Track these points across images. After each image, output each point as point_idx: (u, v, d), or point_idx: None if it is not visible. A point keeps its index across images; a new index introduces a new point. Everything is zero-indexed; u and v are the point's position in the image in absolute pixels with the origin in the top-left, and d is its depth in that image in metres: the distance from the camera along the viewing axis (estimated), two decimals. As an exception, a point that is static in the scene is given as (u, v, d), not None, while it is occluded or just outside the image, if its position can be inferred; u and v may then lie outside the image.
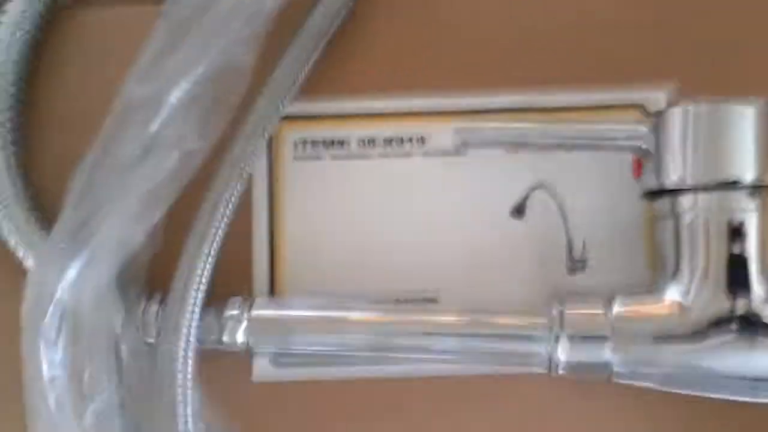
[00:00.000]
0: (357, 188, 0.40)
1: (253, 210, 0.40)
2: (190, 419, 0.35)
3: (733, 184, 0.35)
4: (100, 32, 0.41)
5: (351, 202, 0.40)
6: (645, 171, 0.37)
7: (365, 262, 0.40)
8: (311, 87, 0.40)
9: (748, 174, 0.35)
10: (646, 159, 0.37)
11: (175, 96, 0.36)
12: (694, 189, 0.35)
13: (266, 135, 0.38)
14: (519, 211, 0.40)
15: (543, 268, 0.39)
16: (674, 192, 0.36)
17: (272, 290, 0.40)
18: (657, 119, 0.36)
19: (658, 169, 0.36)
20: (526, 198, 0.40)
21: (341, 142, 0.41)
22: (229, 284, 0.39)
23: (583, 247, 0.39)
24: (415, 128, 0.41)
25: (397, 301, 0.39)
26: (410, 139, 0.41)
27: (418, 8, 0.41)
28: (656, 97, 0.40)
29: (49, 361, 0.35)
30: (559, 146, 0.38)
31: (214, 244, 0.36)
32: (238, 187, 0.37)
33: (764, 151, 0.35)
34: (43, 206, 0.39)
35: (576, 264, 0.39)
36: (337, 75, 0.41)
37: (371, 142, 0.41)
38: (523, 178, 0.40)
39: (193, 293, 0.36)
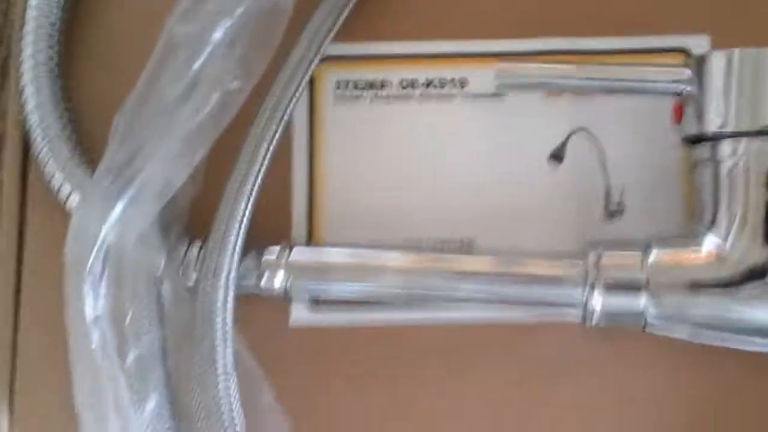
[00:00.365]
0: (397, 130, 0.40)
1: (293, 153, 0.40)
2: (229, 363, 0.35)
3: (775, 130, 0.34)
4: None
5: (390, 145, 0.40)
6: (686, 116, 0.36)
7: (403, 205, 0.40)
8: (352, 30, 0.40)
9: (793, 120, 0.34)
10: (687, 104, 0.36)
11: (216, 35, 0.36)
12: (736, 135, 0.35)
13: (307, 77, 0.38)
14: (557, 156, 0.39)
15: (580, 214, 0.39)
16: (715, 138, 0.35)
17: (311, 235, 0.40)
18: (699, 63, 0.35)
19: (700, 115, 0.35)
20: (565, 143, 0.40)
21: (382, 84, 0.41)
22: (269, 229, 0.39)
23: (622, 193, 0.39)
24: (456, 71, 0.40)
25: (434, 246, 0.40)
26: (451, 81, 0.40)
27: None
28: (699, 41, 0.39)
29: (92, 301, 0.35)
30: (600, 89, 0.37)
31: (255, 188, 0.37)
32: (279, 129, 0.37)
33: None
34: (88, 144, 0.39)
35: (614, 210, 0.39)
36: (378, 18, 0.41)
37: (412, 84, 0.41)
38: (562, 123, 0.40)
39: (233, 237, 0.36)
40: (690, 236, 0.36)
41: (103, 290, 0.35)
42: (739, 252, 0.35)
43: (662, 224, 0.39)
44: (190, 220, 0.38)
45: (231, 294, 0.36)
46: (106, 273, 0.35)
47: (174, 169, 0.36)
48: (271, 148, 0.37)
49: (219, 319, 0.35)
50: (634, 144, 0.39)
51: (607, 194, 0.39)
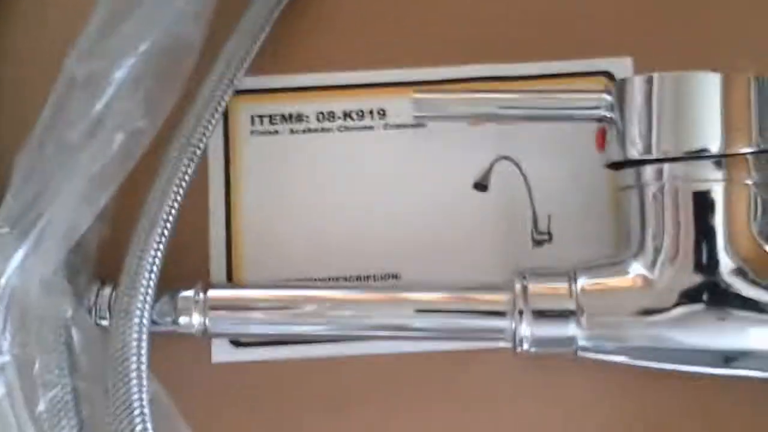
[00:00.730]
0: (316, 163, 0.39)
1: (210, 189, 0.39)
2: (146, 407, 0.34)
3: (698, 153, 0.34)
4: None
5: (310, 178, 0.39)
6: (608, 142, 0.36)
7: (326, 239, 0.39)
8: (265, 62, 0.39)
9: (714, 144, 0.34)
10: (609, 129, 0.36)
11: (119, 74, 0.34)
12: (659, 159, 0.34)
13: (219, 112, 0.37)
14: (482, 185, 0.39)
15: (508, 242, 0.39)
16: (638, 163, 0.35)
17: (230, 272, 0.39)
18: (621, 88, 0.35)
19: (622, 140, 0.35)
20: (489, 171, 0.39)
21: (298, 117, 0.40)
22: (187, 267, 0.38)
23: (549, 220, 0.39)
24: (374, 101, 0.40)
25: (359, 278, 0.39)
26: (370, 112, 0.40)
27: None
28: (623, 64, 0.39)
29: None
30: (520, 117, 0.37)
31: (167, 226, 0.35)
32: (191, 165, 0.36)
33: (730, 120, 0.34)
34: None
35: (541, 237, 0.39)
36: (292, 49, 0.40)
37: (330, 115, 0.40)
38: (486, 151, 0.39)
39: (144, 278, 0.34)
40: (618, 261, 0.35)
41: (7, 339, 0.34)
42: (669, 276, 0.34)
43: (591, 249, 0.38)
44: (102, 261, 0.37)
45: (145, 335, 0.34)
46: (9, 321, 0.34)
47: (79, 212, 0.35)
48: (183, 184, 0.36)
49: (134, 361, 0.34)
50: (559, 170, 0.39)
51: (534, 221, 0.39)
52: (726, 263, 0.34)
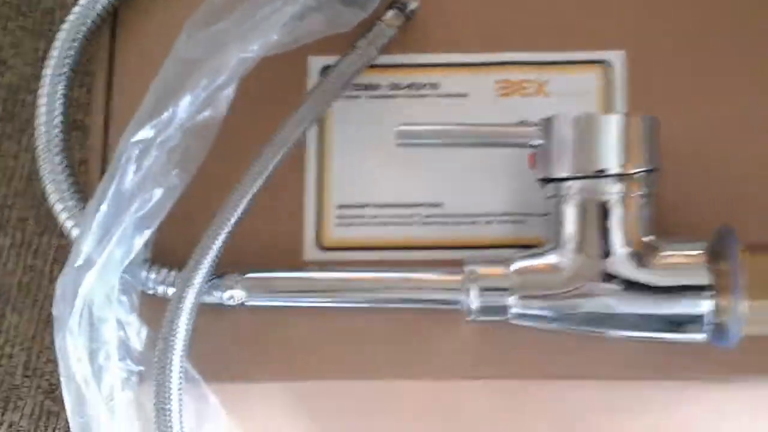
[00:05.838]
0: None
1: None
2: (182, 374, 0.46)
3: (601, 173, 0.46)
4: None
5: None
6: (538, 162, 0.48)
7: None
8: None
9: (613, 166, 0.46)
10: (538, 153, 0.48)
11: (161, 142, 0.47)
12: (573, 177, 0.46)
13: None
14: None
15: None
16: (558, 179, 0.47)
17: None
18: (547, 123, 0.47)
19: (547, 162, 0.47)
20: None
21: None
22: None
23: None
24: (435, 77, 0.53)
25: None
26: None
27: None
28: (617, 56, 0.52)
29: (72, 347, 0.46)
30: (479, 144, 0.50)
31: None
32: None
33: (626, 148, 0.46)
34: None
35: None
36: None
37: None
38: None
39: (208, 258, 0.47)
40: (542, 253, 0.48)
41: (82, 335, 0.47)
42: (578, 264, 0.46)
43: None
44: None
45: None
46: (83, 322, 0.47)
47: (129, 245, 0.47)
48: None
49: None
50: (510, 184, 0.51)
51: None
52: (620, 252, 0.46)
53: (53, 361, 0.58)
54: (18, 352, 0.58)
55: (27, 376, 0.58)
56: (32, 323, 0.58)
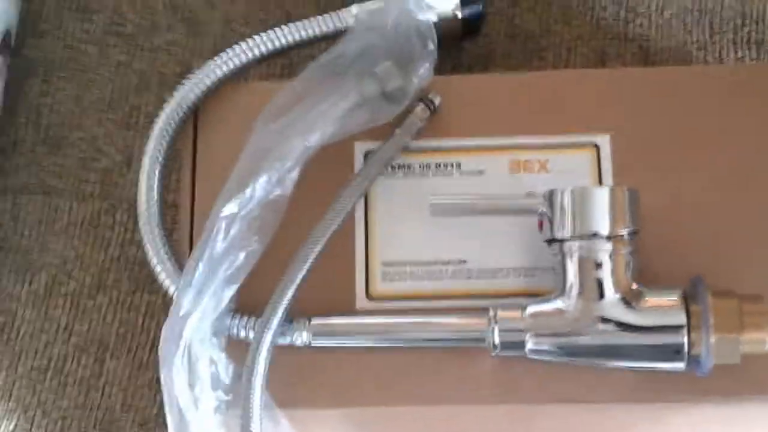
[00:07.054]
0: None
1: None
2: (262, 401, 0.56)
3: (594, 235, 0.57)
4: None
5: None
6: (544, 226, 0.59)
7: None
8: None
9: (603, 229, 0.57)
10: (544, 219, 0.59)
11: (243, 215, 0.57)
12: (572, 238, 0.57)
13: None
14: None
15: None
16: (561, 240, 0.58)
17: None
18: (551, 195, 0.58)
19: (551, 226, 0.58)
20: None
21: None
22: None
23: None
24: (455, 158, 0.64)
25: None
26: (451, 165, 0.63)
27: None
28: (603, 139, 0.62)
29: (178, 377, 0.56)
30: (499, 213, 0.61)
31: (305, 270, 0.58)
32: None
33: (613, 214, 0.57)
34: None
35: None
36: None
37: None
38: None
39: (283, 305, 0.57)
40: (551, 299, 0.58)
41: (185, 370, 0.56)
42: (578, 307, 0.57)
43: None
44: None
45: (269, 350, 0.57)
46: (185, 360, 0.57)
47: (220, 297, 0.57)
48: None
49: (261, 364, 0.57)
50: (522, 243, 0.62)
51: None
52: (612, 298, 0.57)
53: (146, 398, 0.69)
54: (116, 391, 0.69)
55: (125, 412, 0.68)
56: (128, 367, 0.69)
